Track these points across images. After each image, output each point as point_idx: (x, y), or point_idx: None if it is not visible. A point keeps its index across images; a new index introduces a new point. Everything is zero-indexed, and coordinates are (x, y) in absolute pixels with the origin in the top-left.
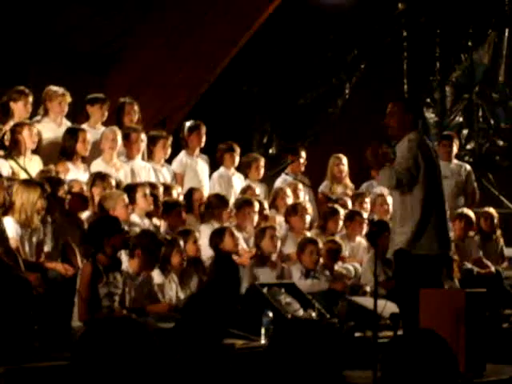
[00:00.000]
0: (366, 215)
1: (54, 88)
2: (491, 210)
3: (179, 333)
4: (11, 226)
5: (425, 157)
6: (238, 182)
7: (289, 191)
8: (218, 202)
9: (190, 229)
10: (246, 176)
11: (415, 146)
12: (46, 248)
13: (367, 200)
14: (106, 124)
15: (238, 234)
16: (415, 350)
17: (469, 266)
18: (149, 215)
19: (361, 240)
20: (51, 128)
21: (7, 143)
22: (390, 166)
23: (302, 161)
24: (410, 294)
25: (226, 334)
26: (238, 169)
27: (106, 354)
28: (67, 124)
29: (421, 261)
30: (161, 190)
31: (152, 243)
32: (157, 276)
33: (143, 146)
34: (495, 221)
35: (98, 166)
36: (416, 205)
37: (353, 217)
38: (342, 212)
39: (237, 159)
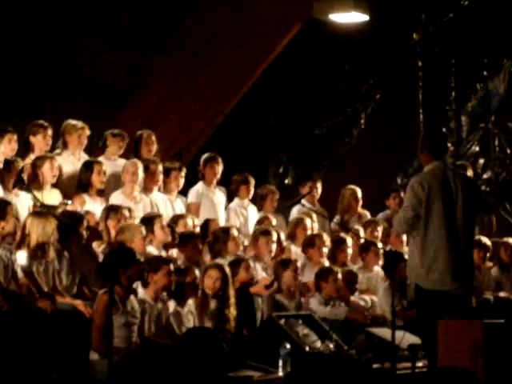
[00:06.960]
0: (379, 244)
1: (72, 122)
2: (511, 240)
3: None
4: (25, 260)
5: (431, 191)
6: (253, 213)
7: (309, 222)
8: (222, 234)
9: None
10: (261, 208)
11: (417, 182)
12: (63, 282)
13: (379, 228)
14: (123, 156)
15: (255, 264)
16: None
17: (486, 296)
18: (165, 247)
19: (378, 270)
20: (71, 161)
21: (26, 177)
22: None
23: (318, 191)
24: (430, 325)
25: (235, 367)
26: (253, 200)
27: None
28: (85, 157)
29: (433, 296)
30: (177, 221)
31: (160, 266)
32: (171, 306)
33: (161, 178)
34: None
35: (116, 198)
36: (424, 240)
37: (368, 247)
38: (350, 241)
39: (252, 191)
